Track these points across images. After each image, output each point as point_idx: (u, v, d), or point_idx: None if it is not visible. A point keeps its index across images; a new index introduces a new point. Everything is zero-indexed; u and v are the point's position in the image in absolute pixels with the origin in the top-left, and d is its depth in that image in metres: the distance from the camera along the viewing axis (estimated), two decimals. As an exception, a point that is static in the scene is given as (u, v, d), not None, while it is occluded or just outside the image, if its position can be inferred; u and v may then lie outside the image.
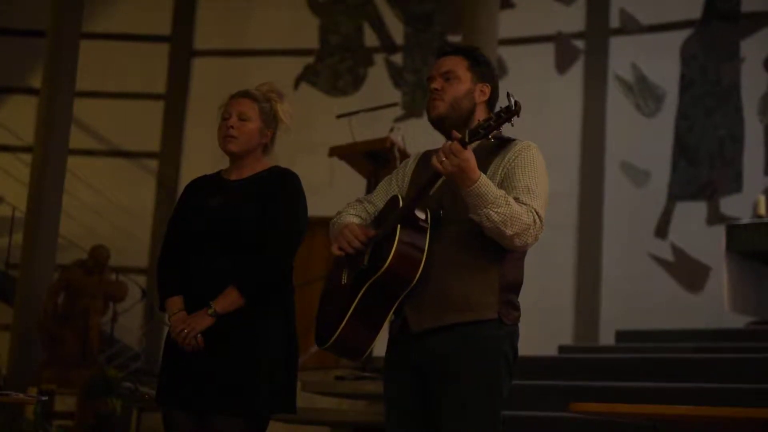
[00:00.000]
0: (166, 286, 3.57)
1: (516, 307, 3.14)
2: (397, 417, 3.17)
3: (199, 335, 3.41)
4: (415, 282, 3.00)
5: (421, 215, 3.04)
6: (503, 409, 3.10)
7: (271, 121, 3.64)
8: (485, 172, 3.05)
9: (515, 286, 3.14)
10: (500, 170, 3.09)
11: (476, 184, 2.91)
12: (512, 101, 2.81)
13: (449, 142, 2.89)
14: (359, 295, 3.04)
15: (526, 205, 2.99)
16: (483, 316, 3.04)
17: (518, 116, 2.82)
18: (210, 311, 3.41)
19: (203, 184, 3.68)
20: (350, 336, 3.07)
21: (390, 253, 2.97)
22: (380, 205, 3.33)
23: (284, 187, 3.55)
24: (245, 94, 3.64)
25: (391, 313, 3.08)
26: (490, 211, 2.92)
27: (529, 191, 3.02)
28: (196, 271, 3.50)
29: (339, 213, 3.36)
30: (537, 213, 2.99)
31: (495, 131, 2.85)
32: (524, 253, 3.15)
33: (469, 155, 2.88)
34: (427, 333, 3.06)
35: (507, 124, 2.84)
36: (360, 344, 3.10)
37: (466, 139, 2.87)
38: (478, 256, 3.05)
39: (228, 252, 3.46)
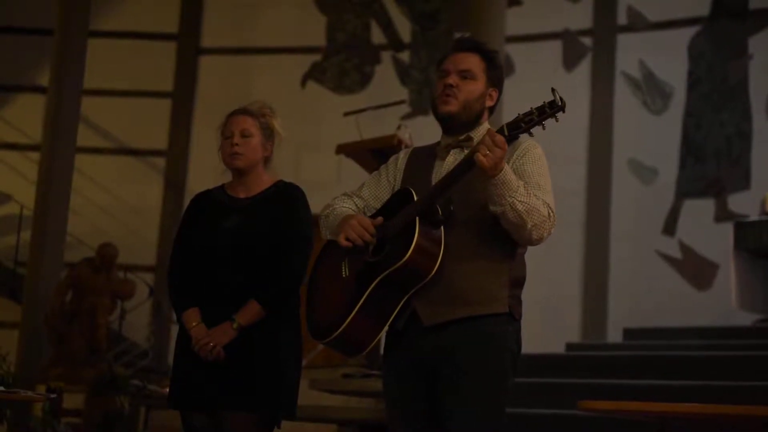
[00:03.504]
0: (182, 298, 3.68)
1: (521, 303, 3.14)
2: (400, 415, 3.15)
3: (220, 348, 3.53)
4: (431, 275, 2.98)
5: (437, 210, 3.02)
6: (508, 406, 3.09)
7: (269, 134, 3.77)
8: None
9: (522, 282, 3.14)
10: (509, 167, 3.05)
11: (503, 172, 2.90)
12: (557, 96, 2.80)
13: (489, 137, 2.85)
14: (370, 288, 3.00)
15: (540, 198, 2.98)
16: (495, 310, 3.04)
17: (563, 112, 2.80)
18: (234, 325, 3.54)
19: (212, 202, 3.78)
20: (356, 330, 3.03)
21: (410, 246, 2.94)
22: (369, 200, 3.31)
23: (291, 202, 3.71)
24: (244, 112, 3.77)
25: (399, 307, 3.04)
26: (515, 201, 2.91)
27: (540, 187, 3.02)
28: (215, 286, 3.62)
29: (329, 206, 3.32)
30: (550, 207, 2.99)
31: (538, 125, 2.83)
32: (526, 249, 3.15)
33: (506, 147, 2.87)
34: (439, 327, 3.04)
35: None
36: (364, 339, 3.05)
37: (506, 133, 2.86)
38: (490, 250, 3.05)
39: (245, 267, 3.60)
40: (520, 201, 2.92)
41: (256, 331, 3.55)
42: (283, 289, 3.58)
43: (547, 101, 2.82)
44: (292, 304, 3.64)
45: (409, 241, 2.95)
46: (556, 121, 2.84)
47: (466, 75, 3.16)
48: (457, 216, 3.05)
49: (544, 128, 2.87)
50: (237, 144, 3.68)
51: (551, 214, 2.99)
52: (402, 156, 3.35)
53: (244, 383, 3.51)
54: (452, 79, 3.15)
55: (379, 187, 3.33)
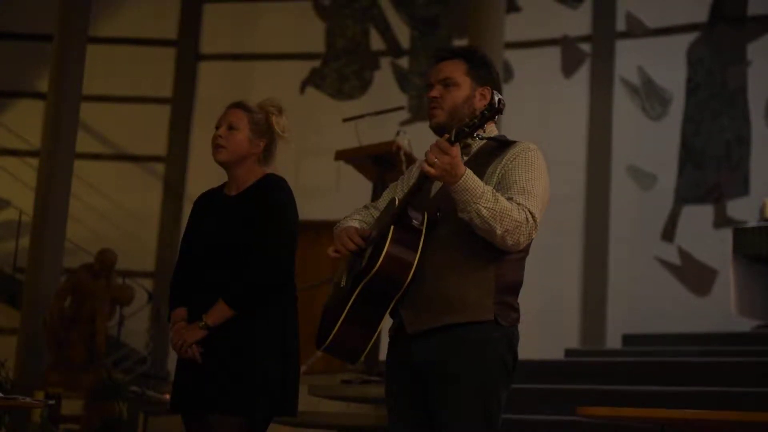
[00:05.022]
0: (173, 299, 3.71)
1: (514, 309, 3.10)
2: (398, 420, 3.16)
3: (194, 347, 3.53)
4: (407, 284, 2.99)
5: (416, 217, 3.02)
6: (500, 413, 3.06)
7: (263, 131, 3.70)
8: (484, 174, 3.05)
9: (513, 288, 3.10)
10: (498, 171, 3.07)
11: (463, 179, 2.89)
12: (495, 99, 2.82)
13: (435, 144, 2.88)
14: (353, 297, 3.03)
15: (519, 204, 2.96)
16: (479, 318, 3.01)
17: (501, 114, 2.83)
18: (201, 324, 3.54)
19: (207, 200, 3.78)
20: (346, 337, 3.07)
21: (381, 255, 2.96)
22: None
23: (271, 198, 3.61)
24: (237, 105, 3.72)
25: (387, 314, 3.07)
26: (480, 207, 2.89)
27: (524, 191, 2.99)
28: (201, 287, 3.61)
29: (344, 218, 3.35)
30: (530, 212, 2.96)
31: (479, 129, 2.86)
32: (524, 253, 3.12)
33: (456, 152, 2.87)
34: (423, 334, 3.05)
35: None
36: (356, 346, 3.09)
37: (452, 139, 2.87)
38: (473, 256, 3.02)
39: (226, 267, 3.57)
40: (485, 207, 2.89)
41: (233, 332, 3.51)
42: (251, 290, 3.52)
43: (486, 104, 2.84)
44: (280, 299, 3.58)
45: (381, 250, 2.97)
46: (494, 122, 2.95)
47: (447, 83, 3.17)
48: (441, 224, 3.04)
49: (484, 131, 2.97)
50: (220, 136, 3.64)
51: (530, 219, 2.95)
52: (416, 166, 3.35)
53: (219, 385, 3.49)
54: (435, 91, 3.17)
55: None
